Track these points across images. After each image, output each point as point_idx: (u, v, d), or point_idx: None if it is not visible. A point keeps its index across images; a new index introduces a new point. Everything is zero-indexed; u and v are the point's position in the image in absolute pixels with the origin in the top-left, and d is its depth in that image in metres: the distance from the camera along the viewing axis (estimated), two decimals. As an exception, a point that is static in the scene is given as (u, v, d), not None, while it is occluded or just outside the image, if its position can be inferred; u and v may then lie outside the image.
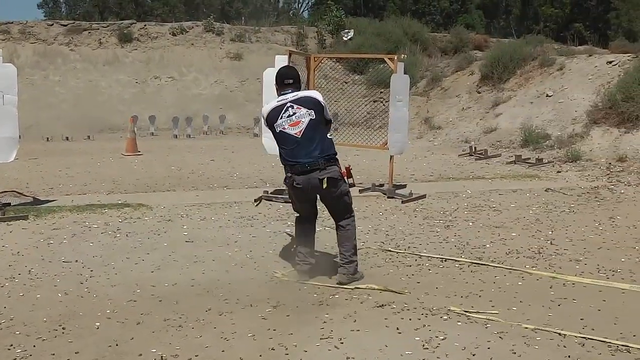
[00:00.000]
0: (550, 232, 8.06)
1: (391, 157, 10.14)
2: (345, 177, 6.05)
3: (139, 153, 15.16)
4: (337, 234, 6.16)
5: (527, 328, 4.97)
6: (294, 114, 5.89)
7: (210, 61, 25.38)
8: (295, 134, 5.85)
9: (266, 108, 6.10)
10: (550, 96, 16.21)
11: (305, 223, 6.26)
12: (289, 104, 5.92)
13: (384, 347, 4.59)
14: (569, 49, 21.01)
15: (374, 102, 18.84)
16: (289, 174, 5.94)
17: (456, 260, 6.76)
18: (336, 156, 6.01)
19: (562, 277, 6.28)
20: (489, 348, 4.62)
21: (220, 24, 27.15)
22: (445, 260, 6.75)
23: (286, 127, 5.88)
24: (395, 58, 10.11)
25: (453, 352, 4.55)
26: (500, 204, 9.66)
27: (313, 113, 5.89)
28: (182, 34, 26.14)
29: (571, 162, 13.21)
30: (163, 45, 25.56)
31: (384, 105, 18.64)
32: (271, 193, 9.81)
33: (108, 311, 5.26)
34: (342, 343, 4.66)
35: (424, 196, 9.92)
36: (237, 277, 6.17)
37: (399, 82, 10.00)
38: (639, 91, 13.86)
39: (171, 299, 5.52)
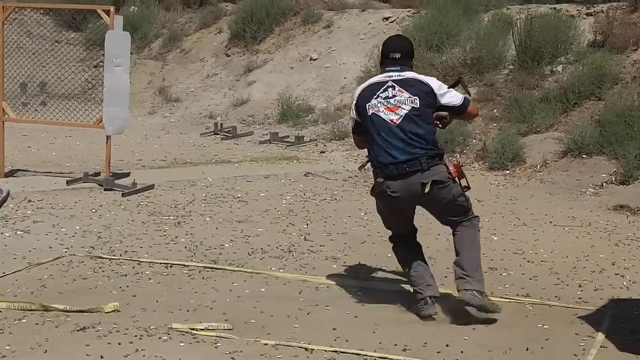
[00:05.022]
0: (306, 226, 8.38)
1: (108, 137, 9.99)
2: (457, 178, 5.72)
3: None
4: (456, 236, 5.87)
5: (266, 344, 5.10)
6: (394, 96, 5.63)
7: None
8: (391, 120, 5.60)
9: (362, 85, 5.90)
10: (314, 60, 16.69)
11: (408, 239, 6.09)
12: (390, 83, 5.67)
13: (82, 382, 4.54)
14: (342, 2, 21.61)
15: (95, 67, 18.43)
16: (380, 180, 5.67)
17: (185, 265, 6.81)
18: (442, 153, 5.78)
19: (314, 280, 6.55)
20: (216, 372, 4.71)
21: None
22: (171, 266, 6.79)
23: (381, 109, 5.62)
24: (112, 10, 9.94)
25: (170, 381, 4.59)
26: (247, 193, 9.84)
27: (417, 101, 5.63)
28: None
29: (338, 140, 13.64)
30: None
31: (107, 71, 18.30)
32: None
33: None
34: (26, 380, 4.55)
35: (151, 187, 9.87)
36: None
37: (116, 41, 9.84)
38: (418, 54, 14.32)
39: None
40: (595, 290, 6.53)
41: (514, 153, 11.43)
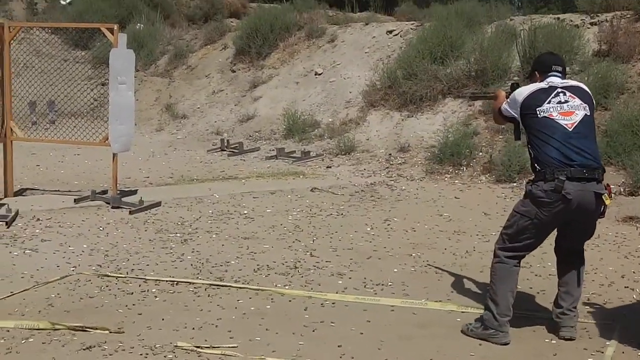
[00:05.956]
0: (312, 242, 8.36)
1: (115, 155, 9.99)
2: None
3: None
4: (569, 265, 5.83)
5: (271, 362, 5.10)
6: (566, 102, 5.55)
7: None
8: (567, 125, 5.47)
9: (526, 88, 5.73)
10: (319, 74, 16.72)
11: (519, 264, 5.74)
12: (560, 89, 5.62)
13: (89, 401, 4.53)
14: (346, 16, 21.69)
15: (102, 85, 18.52)
16: (554, 180, 5.36)
17: (191, 283, 6.80)
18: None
19: (320, 296, 6.52)
20: (222, 391, 4.69)
21: None
22: (177, 284, 6.78)
23: (555, 114, 5.50)
24: (115, 28, 9.95)
25: (176, 400, 4.57)
26: (253, 209, 9.84)
27: (588, 109, 5.58)
28: None
29: (344, 154, 13.68)
30: None
31: (114, 89, 18.32)
32: None
33: None
34: (33, 400, 4.54)
35: (158, 204, 9.88)
36: None
37: (121, 58, 9.86)
38: (422, 67, 14.60)
39: None
40: (604, 303, 6.49)
41: (520, 165, 11.37)
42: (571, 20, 14.55)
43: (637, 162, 10.22)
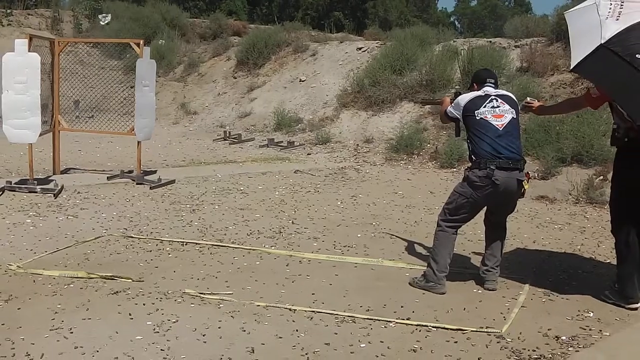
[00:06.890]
0: (293, 212, 8.36)
1: (139, 143, 9.95)
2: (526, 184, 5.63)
3: None
4: (494, 233, 5.88)
5: (259, 306, 5.12)
6: (498, 107, 5.57)
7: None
8: (498, 125, 5.50)
9: (467, 95, 5.74)
10: (303, 81, 16.67)
11: (456, 233, 5.78)
12: (493, 97, 5.63)
13: (114, 334, 4.54)
14: (325, 35, 21.64)
15: (131, 88, 18.38)
16: (487, 169, 5.42)
17: (197, 243, 6.80)
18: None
19: (299, 255, 6.53)
20: (219, 327, 4.70)
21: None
22: (185, 244, 6.77)
23: (489, 116, 5.53)
24: (141, 43, 9.90)
25: (184, 333, 4.59)
26: (248, 186, 9.81)
27: (515, 113, 5.60)
28: None
29: (321, 144, 13.67)
30: None
31: (140, 91, 18.19)
32: (15, 183, 9.25)
33: None
34: (72, 333, 4.54)
35: (173, 181, 9.83)
36: (-39, 272, 5.77)
37: (145, 67, 9.82)
38: (384, 76, 14.59)
39: None
40: (519, 262, 6.56)
41: (459, 155, 11.42)
42: (500, 43, 14.59)
43: (548, 154, 10.28)
